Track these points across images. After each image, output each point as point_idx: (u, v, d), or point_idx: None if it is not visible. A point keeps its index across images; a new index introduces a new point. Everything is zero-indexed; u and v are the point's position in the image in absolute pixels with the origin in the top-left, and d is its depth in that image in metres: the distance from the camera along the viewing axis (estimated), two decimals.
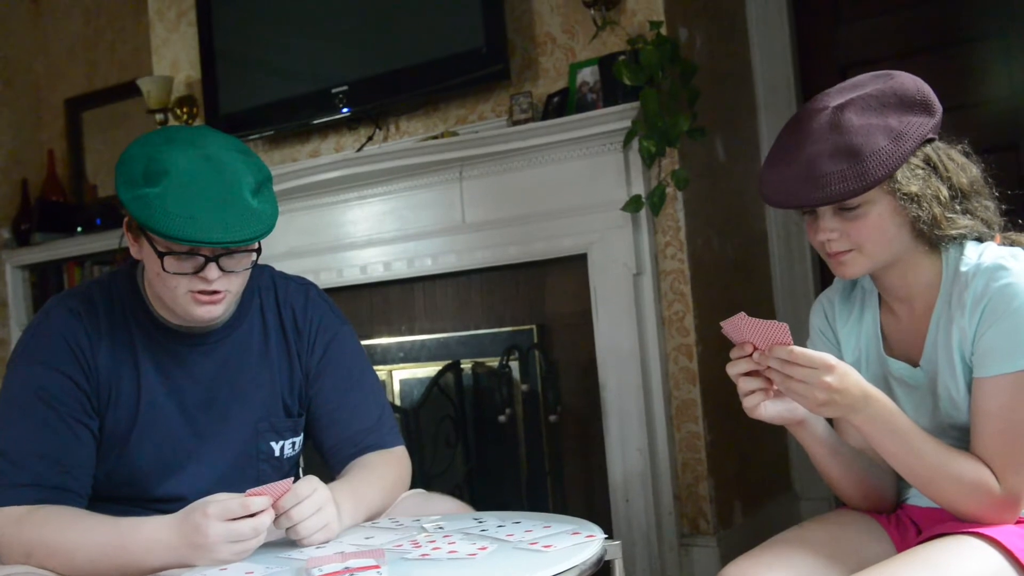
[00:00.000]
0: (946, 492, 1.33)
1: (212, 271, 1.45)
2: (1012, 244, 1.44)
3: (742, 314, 1.29)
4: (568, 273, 3.02)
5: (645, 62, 2.75)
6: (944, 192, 1.37)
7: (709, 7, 3.13)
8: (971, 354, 1.35)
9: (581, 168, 2.92)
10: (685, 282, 2.86)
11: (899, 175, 1.34)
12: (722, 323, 1.32)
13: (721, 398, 2.89)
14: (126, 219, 1.50)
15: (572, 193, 2.93)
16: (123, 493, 1.55)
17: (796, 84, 3.31)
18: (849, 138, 1.33)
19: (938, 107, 1.39)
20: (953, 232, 1.37)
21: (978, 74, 3.07)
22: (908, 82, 1.40)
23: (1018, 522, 1.35)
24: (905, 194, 1.35)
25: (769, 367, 1.29)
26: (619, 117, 2.80)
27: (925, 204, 1.35)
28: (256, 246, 1.50)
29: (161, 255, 1.44)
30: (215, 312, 1.50)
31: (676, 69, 2.81)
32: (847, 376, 1.28)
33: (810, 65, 3.32)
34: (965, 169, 1.41)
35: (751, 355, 1.31)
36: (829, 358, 1.27)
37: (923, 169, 1.36)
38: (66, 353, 1.51)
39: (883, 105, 1.36)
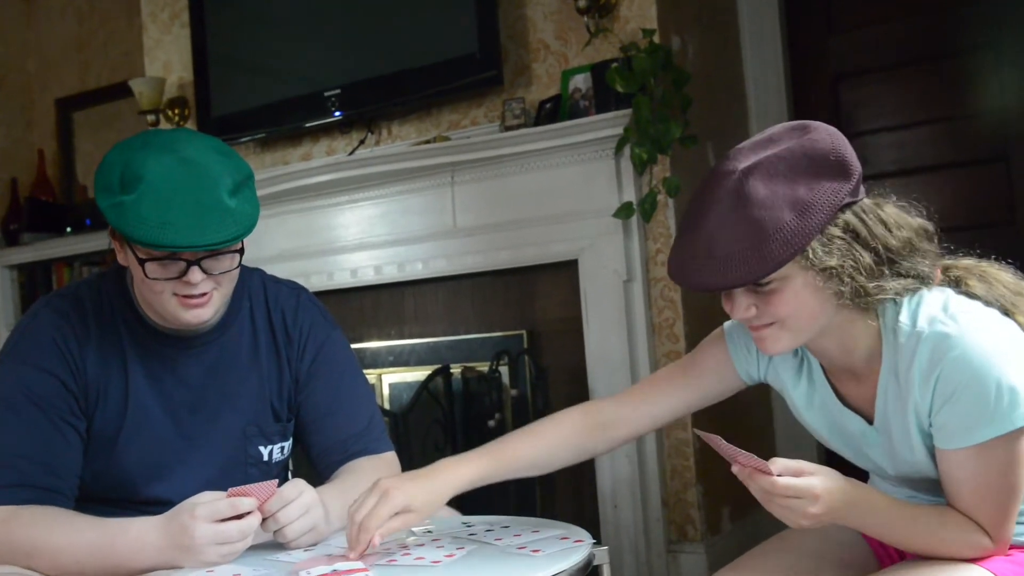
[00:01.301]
0: (942, 553, 1.29)
1: (195, 274, 1.44)
2: (950, 280, 1.34)
3: (718, 438, 1.18)
4: (559, 279, 3.02)
5: (638, 69, 2.76)
6: (867, 259, 1.23)
7: (702, 16, 3.14)
8: (929, 426, 1.28)
9: (573, 174, 2.92)
10: (675, 289, 2.86)
11: (812, 250, 1.20)
12: (698, 432, 1.24)
13: (711, 406, 2.88)
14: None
15: (563, 199, 2.94)
16: (111, 495, 1.55)
17: (788, 93, 3.32)
18: (752, 211, 1.20)
19: (856, 167, 1.24)
20: (883, 296, 1.25)
21: (969, 85, 3.08)
22: (823, 141, 1.24)
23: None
24: (822, 269, 1.22)
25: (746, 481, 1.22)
26: (611, 124, 2.80)
27: (846, 278, 1.22)
28: (239, 246, 1.48)
29: (142, 262, 1.43)
30: (204, 315, 1.49)
31: (668, 77, 2.82)
32: (831, 495, 1.19)
33: (802, 74, 3.33)
34: (896, 229, 1.26)
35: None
36: (815, 486, 1.18)
37: (842, 239, 1.22)
38: (54, 354, 1.51)
39: (791, 169, 1.21)
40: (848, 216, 1.23)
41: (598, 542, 1.38)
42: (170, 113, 3.81)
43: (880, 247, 1.24)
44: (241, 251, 1.49)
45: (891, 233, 1.25)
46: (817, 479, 1.19)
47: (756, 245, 1.19)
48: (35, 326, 1.53)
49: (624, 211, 2.82)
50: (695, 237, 1.24)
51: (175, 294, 1.46)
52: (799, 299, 1.24)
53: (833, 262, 1.21)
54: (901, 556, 1.41)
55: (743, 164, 1.23)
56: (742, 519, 3.05)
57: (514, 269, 3.08)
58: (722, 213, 1.22)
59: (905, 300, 1.28)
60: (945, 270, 1.35)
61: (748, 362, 1.48)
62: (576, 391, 2.99)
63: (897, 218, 1.27)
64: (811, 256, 1.21)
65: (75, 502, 1.50)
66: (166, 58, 3.89)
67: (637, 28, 2.87)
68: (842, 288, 1.23)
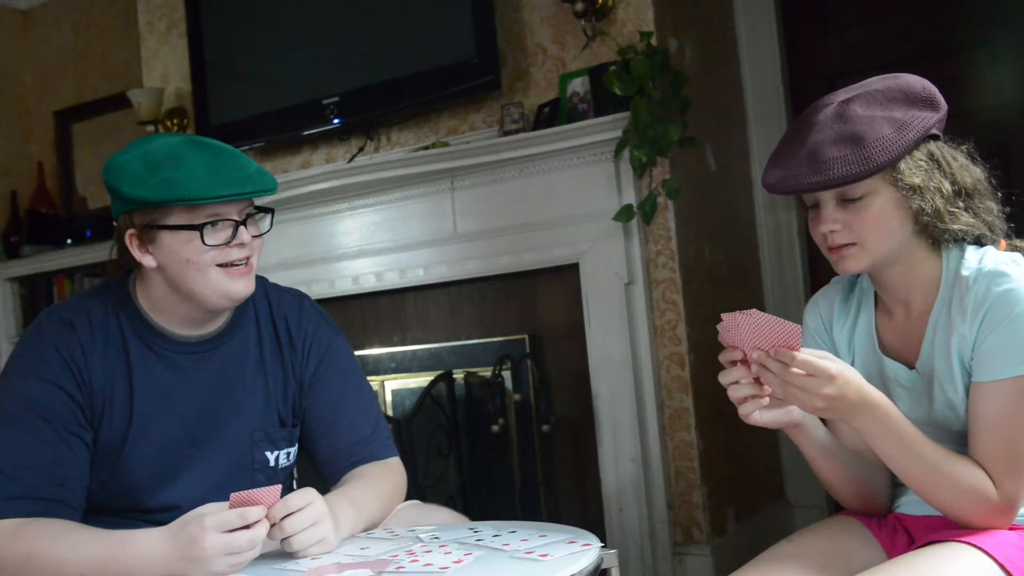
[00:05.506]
0: (944, 497, 1.33)
1: (245, 234, 1.51)
2: (1015, 250, 1.43)
3: (755, 311, 1.27)
4: (560, 283, 3.02)
5: (635, 72, 2.76)
6: (947, 187, 1.38)
7: (699, 17, 3.15)
8: (970, 359, 1.35)
9: (572, 178, 2.92)
10: (677, 291, 2.87)
11: (902, 166, 1.35)
12: (728, 315, 1.29)
13: (714, 406, 2.89)
14: (130, 232, 1.51)
15: (563, 203, 2.94)
16: (118, 504, 1.55)
17: (785, 93, 3.33)
18: (853, 126, 1.35)
19: (943, 105, 1.41)
20: (956, 227, 1.38)
21: (966, 83, 3.09)
22: (914, 81, 1.42)
23: (1012, 528, 1.35)
24: (907, 185, 1.35)
25: (764, 368, 1.28)
26: (610, 127, 2.81)
27: (928, 196, 1.36)
28: (271, 209, 1.58)
29: (200, 229, 1.47)
30: (250, 285, 1.55)
31: (666, 79, 2.82)
32: (847, 384, 1.27)
33: (799, 75, 3.34)
34: (968, 170, 1.42)
35: (742, 361, 1.30)
36: (831, 367, 1.26)
37: (926, 163, 1.37)
38: (59, 364, 1.51)
39: (888, 100, 1.38)
40: (932, 147, 1.39)
41: (605, 545, 1.38)
42: (169, 123, 3.81)
43: (957, 180, 1.39)
44: (272, 212, 1.58)
45: (966, 172, 1.41)
46: (835, 364, 1.27)
47: (857, 151, 1.33)
48: (39, 337, 1.54)
49: (624, 214, 2.82)
50: (795, 151, 1.38)
51: (220, 266, 1.50)
52: (883, 217, 1.37)
53: (917, 180, 1.36)
54: None
55: (841, 98, 1.40)
56: (747, 520, 3.05)
57: (515, 274, 3.09)
58: (823, 131, 1.37)
59: (971, 248, 1.40)
60: (1008, 243, 1.46)
61: (825, 341, 1.56)
62: (579, 395, 2.99)
63: (967, 163, 1.43)
64: (901, 170, 1.35)
65: (82, 513, 1.50)
66: (164, 68, 3.90)
67: (634, 31, 2.87)
68: (923, 205, 1.36)
